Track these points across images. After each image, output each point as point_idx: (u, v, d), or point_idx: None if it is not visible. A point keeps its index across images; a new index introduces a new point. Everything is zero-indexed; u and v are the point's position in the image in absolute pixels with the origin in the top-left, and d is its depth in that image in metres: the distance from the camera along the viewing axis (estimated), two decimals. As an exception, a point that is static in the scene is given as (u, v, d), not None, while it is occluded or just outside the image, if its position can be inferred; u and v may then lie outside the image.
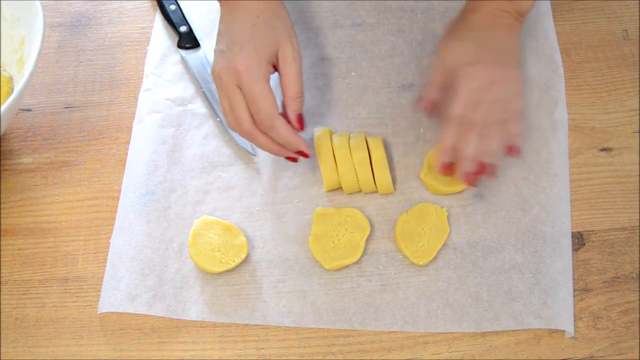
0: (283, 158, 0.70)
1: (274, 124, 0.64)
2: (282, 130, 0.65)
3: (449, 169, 0.66)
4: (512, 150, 0.67)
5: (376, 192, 0.70)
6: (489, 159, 0.65)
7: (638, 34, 0.80)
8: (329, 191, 0.71)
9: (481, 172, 0.65)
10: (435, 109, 0.70)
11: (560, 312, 0.63)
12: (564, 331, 0.63)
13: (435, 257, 0.66)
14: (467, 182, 0.65)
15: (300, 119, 0.67)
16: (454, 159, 0.66)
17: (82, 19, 0.86)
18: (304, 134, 0.70)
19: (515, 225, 0.68)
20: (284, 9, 0.68)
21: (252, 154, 0.73)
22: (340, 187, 0.70)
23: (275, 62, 0.66)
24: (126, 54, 0.82)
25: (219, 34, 0.68)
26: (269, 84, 0.65)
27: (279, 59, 0.66)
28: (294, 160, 0.68)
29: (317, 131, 0.71)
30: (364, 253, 0.67)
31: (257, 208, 0.71)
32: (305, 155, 0.67)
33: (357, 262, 0.67)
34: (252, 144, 0.73)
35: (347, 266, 0.67)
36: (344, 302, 0.65)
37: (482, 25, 0.70)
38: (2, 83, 0.75)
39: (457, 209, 0.69)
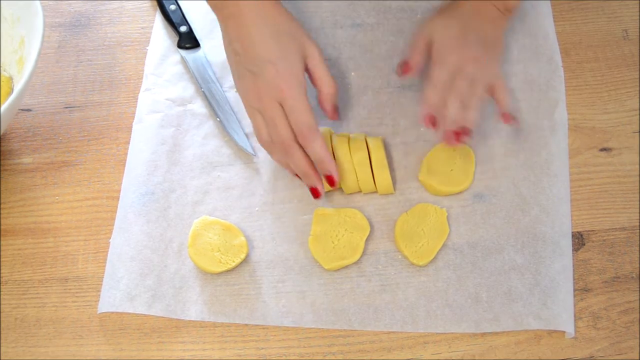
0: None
1: (313, 136, 0.65)
2: (319, 144, 0.65)
3: (433, 120, 0.68)
4: (507, 118, 0.68)
5: (376, 192, 0.70)
6: (469, 125, 0.67)
7: (638, 34, 0.80)
8: (328, 191, 0.70)
9: (460, 134, 0.67)
10: (413, 73, 0.72)
11: (560, 312, 0.63)
12: (564, 331, 0.63)
13: (434, 258, 0.66)
14: (448, 140, 0.67)
15: (336, 109, 0.70)
16: (437, 115, 0.68)
17: (82, 19, 0.86)
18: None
19: (515, 225, 0.68)
20: (287, 10, 0.68)
21: (252, 154, 0.73)
22: (340, 187, 0.70)
23: (305, 64, 0.67)
24: (126, 54, 0.82)
25: (237, 53, 0.67)
26: (307, 97, 0.65)
27: (308, 62, 0.67)
28: (317, 194, 0.68)
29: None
30: (364, 253, 0.67)
31: (257, 208, 0.71)
32: (332, 183, 0.67)
33: (357, 263, 0.67)
34: (252, 146, 0.73)
35: (346, 266, 0.67)
36: (343, 302, 0.65)
37: (469, 13, 0.71)
38: (2, 83, 0.75)
39: (457, 210, 0.69)
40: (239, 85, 0.68)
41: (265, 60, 0.65)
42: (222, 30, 0.69)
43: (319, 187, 0.67)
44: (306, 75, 0.68)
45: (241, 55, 0.66)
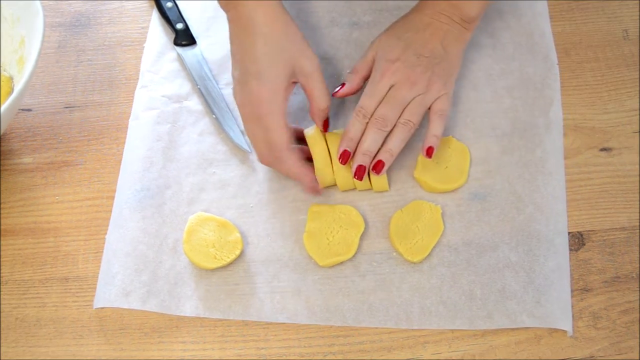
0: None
1: (281, 156, 0.66)
2: (292, 163, 0.66)
3: (347, 157, 0.67)
4: (428, 152, 0.68)
5: (371, 189, 0.70)
6: (384, 157, 0.67)
7: (638, 34, 0.80)
8: (323, 188, 0.71)
9: (373, 168, 0.67)
10: (347, 94, 0.71)
11: (554, 310, 0.63)
12: (564, 331, 0.63)
13: (429, 255, 0.66)
14: (354, 174, 0.67)
15: (326, 123, 0.70)
16: (352, 149, 0.68)
17: (82, 19, 0.86)
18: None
19: (510, 223, 0.68)
20: (289, 17, 0.68)
21: (248, 151, 0.73)
22: (335, 185, 0.70)
23: (295, 78, 0.67)
24: (126, 54, 0.83)
25: (233, 57, 0.67)
26: (284, 116, 0.66)
27: (299, 75, 0.67)
28: (315, 192, 0.69)
29: (309, 130, 0.71)
30: (358, 250, 0.67)
31: (252, 205, 0.71)
32: (316, 192, 0.69)
33: (351, 259, 0.67)
34: (247, 143, 0.74)
35: (341, 263, 0.67)
36: (338, 298, 0.65)
37: (417, 28, 0.71)
38: (2, 83, 0.75)
39: (452, 207, 0.69)
40: (233, 88, 0.68)
41: (249, 72, 0.65)
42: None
43: (315, 188, 0.69)
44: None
45: (235, 61, 0.67)
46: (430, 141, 0.68)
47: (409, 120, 0.67)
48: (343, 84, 0.71)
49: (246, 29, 0.66)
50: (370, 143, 0.67)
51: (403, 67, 0.68)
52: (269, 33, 0.65)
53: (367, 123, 0.67)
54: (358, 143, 0.68)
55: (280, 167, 0.68)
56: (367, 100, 0.68)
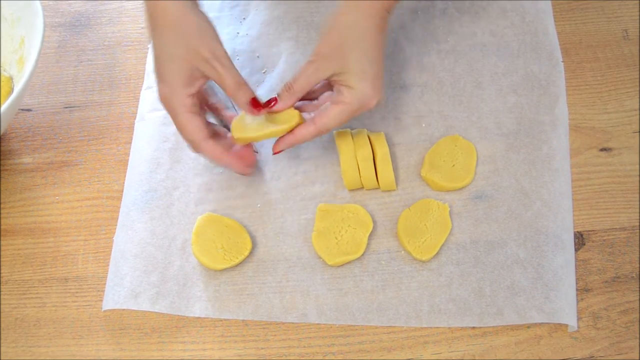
0: (283, 155, 0.72)
1: (201, 150, 0.65)
2: (209, 154, 0.66)
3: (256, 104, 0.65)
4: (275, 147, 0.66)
5: (378, 188, 0.71)
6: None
7: (638, 34, 0.80)
8: (330, 187, 0.71)
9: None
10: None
11: (563, 306, 0.63)
12: (564, 331, 0.63)
13: (437, 253, 0.67)
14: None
15: (255, 102, 0.65)
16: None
17: (82, 19, 0.86)
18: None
19: (517, 220, 0.68)
20: (195, 10, 0.65)
21: (255, 152, 0.73)
22: (361, 187, 0.71)
23: (198, 74, 0.64)
24: (126, 54, 0.82)
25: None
26: (189, 112, 0.64)
27: (201, 69, 0.64)
28: (249, 166, 0.68)
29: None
30: (367, 249, 0.67)
31: (260, 205, 0.71)
32: (246, 173, 0.68)
33: (360, 259, 0.67)
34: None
35: (350, 262, 0.67)
36: (347, 298, 0.65)
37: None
38: (2, 83, 0.75)
39: (459, 205, 0.69)
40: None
41: (155, 72, 0.65)
42: None
43: (246, 169, 0.68)
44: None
45: (154, 52, 0.66)
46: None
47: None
48: (274, 100, 0.66)
49: (150, 22, 0.65)
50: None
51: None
52: (166, 25, 0.64)
53: None
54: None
55: (206, 157, 0.67)
56: (335, 125, 0.65)
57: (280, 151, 0.67)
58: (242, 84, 0.65)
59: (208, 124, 0.67)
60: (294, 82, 0.65)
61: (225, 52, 0.65)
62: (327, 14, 0.82)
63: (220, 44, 0.65)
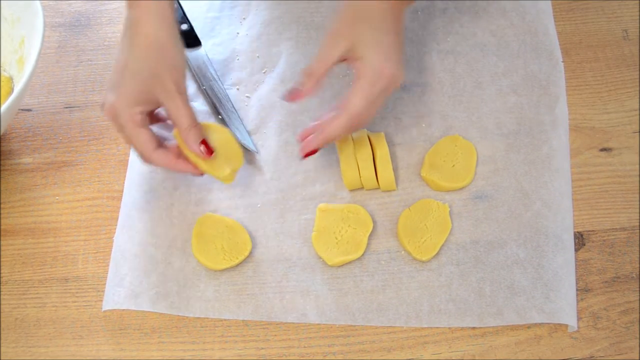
0: (283, 155, 0.72)
1: (152, 160, 0.65)
2: (161, 163, 0.66)
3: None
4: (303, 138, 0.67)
5: (378, 189, 0.71)
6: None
7: (638, 34, 0.80)
8: (330, 188, 0.71)
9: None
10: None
11: (563, 306, 0.63)
12: (564, 331, 0.63)
13: (437, 253, 0.67)
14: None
15: (205, 145, 0.65)
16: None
17: (82, 19, 0.86)
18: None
19: (517, 220, 0.68)
20: (163, 31, 0.64)
21: (255, 152, 0.73)
22: (361, 187, 0.71)
23: (152, 98, 0.64)
24: (126, 54, 0.82)
25: (117, 55, 0.66)
26: (138, 126, 0.64)
27: (158, 95, 0.64)
28: (197, 173, 0.68)
29: None
30: (367, 249, 0.67)
31: (260, 205, 0.71)
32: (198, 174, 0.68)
33: (360, 259, 0.67)
34: (254, 143, 0.74)
35: (349, 262, 0.67)
36: (347, 298, 0.65)
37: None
38: (2, 83, 0.75)
39: (459, 205, 0.69)
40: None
41: (111, 80, 0.64)
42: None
43: (194, 172, 0.67)
44: None
45: (116, 61, 0.65)
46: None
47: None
48: (298, 90, 0.65)
49: (127, 31, 0.65)
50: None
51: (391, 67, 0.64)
52: (144, 42, 0.63)
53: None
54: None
55: (158, 166, 0.67)
56: (363, 108, 0.63)
57: (309, 154, 0.66)
58: (196, 125, 0.65)
59: (152, 133, 0.66)
60: (312, 65, 0.65)
61: (187, 90, 0.65)
62: (327, 14, 0.82)
63: (186, 81, 0.65)
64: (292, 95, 0.66)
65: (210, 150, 0.65)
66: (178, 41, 0.65)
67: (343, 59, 0.65)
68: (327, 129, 0.65)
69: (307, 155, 0.66)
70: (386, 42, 0.63)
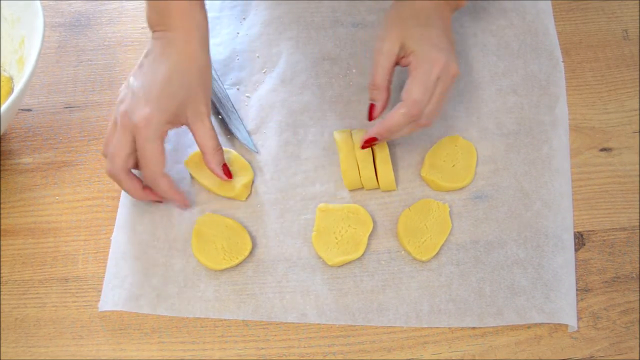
0: (283, 155, 0.72)
1: (157, 182, 0.65)
2: (165, 188, 0.66)
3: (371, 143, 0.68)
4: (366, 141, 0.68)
5: (378, 189, 0.71)
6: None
7: (638, 34, 0.80)
8: (330, 188, 0.71)
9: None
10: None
11: (563, 306, 0.63)
12: (564, 331, 0.63)
13: (437, 253, 0.67)
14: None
15: (227, 169, 0.68)
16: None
17: (82, 19, 0.86)
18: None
19: (517, 220, 0.68)
20: (204, 53, 0.67)
21: (255, 152, 0.73)
22: (361, 187, 0.71)
23: (182, 117, 0.65)
24: (126, 54, 0.82)
25: (141, 65, 0.66)
26: (162, 144, 0.64)
27: (189, 115, 0.65)
28: (160, 201, 0.69)
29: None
30: (367, 249, 0.67)
31: (259, 205, 0.71)
32: (184, 203, 0.69)
33: (360, 259, 0.67)
34: (254, 144, 0.74)
35: (349, 262, 0.67)
36: (347, 298, 0.65)
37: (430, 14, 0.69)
38: (2, 83, 0.75)
39: (459, 206, 0.69)
40: (120, 96, 0.66)
41: (143, 91, 0.64)
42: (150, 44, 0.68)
43: (188, 204, 0.70)
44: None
45: (140, 70, 0.66)
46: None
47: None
48: (372, 105, 0.68)
49: (162, 50, 0.65)
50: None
51: (444, 57, 0.66)
52: (179, 59, 0.65)
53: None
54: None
55: (157, 189, 0.66)
56: (421, 95, 0.65)
57: (368, 142, 0.67)
58: (220, 149, 0.67)
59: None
60: (374, 78, 0.67)
61: (210, 112, 0.67)
62: (327, 14, 0.82)
63: (208, 101, 0.67)
64: (372, 113, 0.68)
65: (229, 173, 0.68)
66: (211, 64, 0.67)
67: (398, 61, 0.67)
68: (387, 118, 0.65)
69: (367, 144, 0.67)
70: (435, 35, 0.66)
